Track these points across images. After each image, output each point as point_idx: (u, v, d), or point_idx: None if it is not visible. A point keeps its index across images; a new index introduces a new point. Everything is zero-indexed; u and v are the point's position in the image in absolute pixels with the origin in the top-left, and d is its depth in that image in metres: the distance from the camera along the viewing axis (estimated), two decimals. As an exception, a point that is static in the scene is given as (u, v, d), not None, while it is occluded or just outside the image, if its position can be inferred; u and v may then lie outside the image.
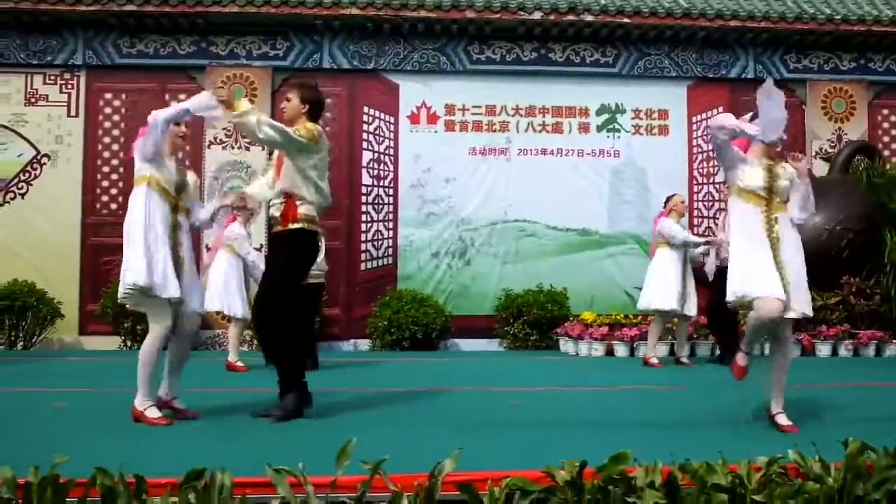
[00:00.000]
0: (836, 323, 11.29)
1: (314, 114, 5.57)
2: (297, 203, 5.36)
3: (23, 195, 12.79)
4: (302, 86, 5.67)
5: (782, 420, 4.99)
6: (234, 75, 13.01)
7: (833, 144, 13.62)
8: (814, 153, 13.64)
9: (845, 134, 13.69)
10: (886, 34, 13.44)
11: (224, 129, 12.86)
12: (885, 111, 14.05)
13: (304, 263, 5.51)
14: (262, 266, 8.55)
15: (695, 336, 11.25)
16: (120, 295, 5.16)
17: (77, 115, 12.96)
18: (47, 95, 12.96)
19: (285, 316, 5.29)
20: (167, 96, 13.07)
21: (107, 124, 13.02)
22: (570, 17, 12.94)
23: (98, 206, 12.85)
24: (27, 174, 12.81)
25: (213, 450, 4.27)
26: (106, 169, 12.97)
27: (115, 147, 13.02)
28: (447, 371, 9.25)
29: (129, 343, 12.09)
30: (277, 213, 5.41)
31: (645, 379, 8.15)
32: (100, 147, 12.99)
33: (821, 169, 13.20)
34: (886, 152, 13.76)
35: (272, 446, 4.35)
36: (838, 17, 13.37)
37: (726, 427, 5.02)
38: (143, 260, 5.00)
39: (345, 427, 4.87)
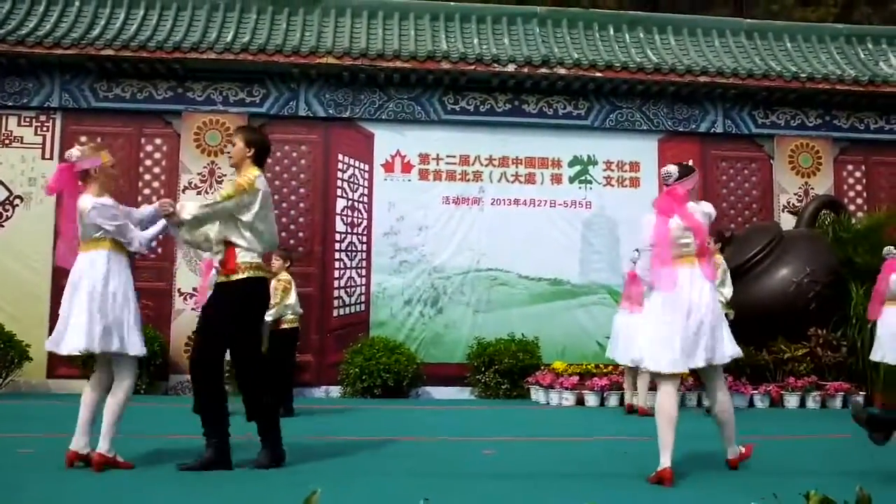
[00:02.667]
0: (804, 375, 11.40)
1: (259, 157, 5.42)
2: (238, 251, 5.22)
3: (-7, 237, 12.72)
4: (245, 129, 5.64)
5: None
6: (209, 121, 13.08)
7: (800, 199, 13.88)
8: (782, 207, 13.89)
9: (812, 188, 13.96)
10: (850, 92, 13.80)
11: (199, 174, 12.92)
12: (850, 167, 14.35)
13: (255, 314, 5.37)
14: None
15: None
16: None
17: (51, 158, 12.93)
18: (22, 137, 12.96)
19: (213, 369, 5.19)
20: (143, 140, 13.15)
21: (81, 167, 12.99)
22: (544, 70, 13.18)
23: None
24: (-2, 215, 12.76)
25: (177, 499, 4.24)
26: (78, 212, 12.91)
27: (89, 190, 12.98)
28: (418, 419, 9.23)
29: (97, 387, 11.94)
30: (218, 262, 5.35)
31: (615, 430, 8.18)
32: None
33: (788, 223, 13.43)
34: (851, 207, 14.02)
35: (238, 495, 4.33)
36: (804, 75, 13.72)
37: (692, 479, 5.05)
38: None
39: (313, 476, 4.86)
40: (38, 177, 12.85)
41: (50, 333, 5.16)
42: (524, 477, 5.14)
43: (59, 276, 12.51)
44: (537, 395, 11.85)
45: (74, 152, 5.20)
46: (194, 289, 12.46)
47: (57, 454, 5.18)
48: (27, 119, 13.00)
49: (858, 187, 14.34)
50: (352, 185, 13.35)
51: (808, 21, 20.03)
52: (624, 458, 6.10)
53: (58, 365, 12.33)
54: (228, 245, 5.24)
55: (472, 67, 13.10)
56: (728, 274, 9.47)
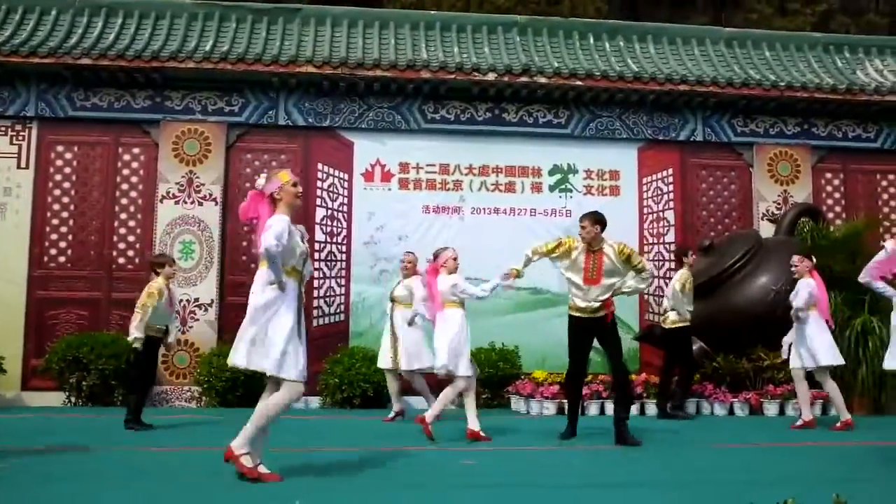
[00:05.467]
0: (783, 382, 11.41)
1: None
2: None
3: (-32, 247, 12.57)
4: None
5: None
6: (188, 130, 13.01)
7: (779, 206, 13.94)
8: (761, 215, 13.95)
9: (791, 196, 14.03)
10: (828, 101, 13.90)
11: (177, 183, 12.84)
12: (828, 175, 14.45)
13: None
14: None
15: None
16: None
17: (27, 167, 12.83)
18: (-3, 147, 12.85)
19: None
20: (120, 150, 13.06)
21: (58, 177, 12.90)
22: (524, 79, 13.20)
23: (46, 259, 12.67)
24: (-27, 226, 12.62)
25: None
26: (55, 222, 12.81)
27: (66, 200, 12.89)
28: (398, 430, 9.19)
29: (73, 399, 11.84)
30: None
31: (594, 439, 8.16)
32: (49, 199, 12.85)
33: (767, 231, 13.48)
34: (830, 215, 14.10)
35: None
36: (783, 83, 13.81)
37: (672, 487, 5.04)
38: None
39: (293, 489, 4.81)
40: (14, 187, 12.74)
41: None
42: (505, 487, 5.11)
43: (35, 287, 12.44)
44: (518, 404, 11.81)
45: (261, 180, 5.43)
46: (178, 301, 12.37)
47: (31, 468, 5.11)
48: (2, 128, 12.88)
49: (837, 195, 14.44)
50: (331, 194, 13.31)
51: (787, 30, 20.16)
52: (601, 466, 6.08)
53: (33, 377, 12.22)
54: None
55: (453, 76, 13.10)
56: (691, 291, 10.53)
